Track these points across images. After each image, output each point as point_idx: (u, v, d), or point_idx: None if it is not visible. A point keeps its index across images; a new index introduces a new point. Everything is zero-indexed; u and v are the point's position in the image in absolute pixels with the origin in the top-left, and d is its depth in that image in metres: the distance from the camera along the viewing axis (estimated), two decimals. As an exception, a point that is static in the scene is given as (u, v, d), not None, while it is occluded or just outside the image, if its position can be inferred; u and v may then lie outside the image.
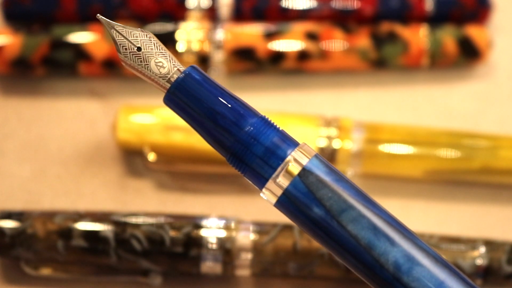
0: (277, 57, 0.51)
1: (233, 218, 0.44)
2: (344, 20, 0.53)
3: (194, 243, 0.43)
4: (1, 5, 0.52)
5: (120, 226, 0.43)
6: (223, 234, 0.43)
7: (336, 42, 0.51)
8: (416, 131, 0.48)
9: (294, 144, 0.31)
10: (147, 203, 0.48)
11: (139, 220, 0.43)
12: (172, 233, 0.43)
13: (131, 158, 0.49)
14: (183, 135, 0.47)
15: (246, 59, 0.51)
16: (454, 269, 0.29)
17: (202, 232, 0.43)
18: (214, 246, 0.43)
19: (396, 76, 0.53)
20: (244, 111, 0.31)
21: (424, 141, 0.48)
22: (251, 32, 0.51)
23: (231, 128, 0.31)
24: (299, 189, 0.30)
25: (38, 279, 0.44)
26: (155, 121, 0.47)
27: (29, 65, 0.51)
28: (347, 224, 0.29)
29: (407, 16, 0.53)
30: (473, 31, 0.52)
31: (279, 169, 0.30)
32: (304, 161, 0.30)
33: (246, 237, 0.43)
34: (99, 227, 0.43)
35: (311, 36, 0.51)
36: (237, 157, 0.31)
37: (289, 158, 0.30)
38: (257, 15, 0.53)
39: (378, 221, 0.29)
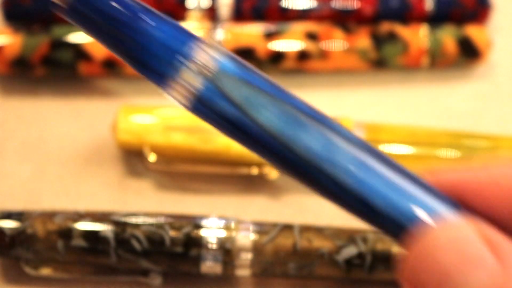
0: (277, 57, 0.51)
1: (233, 218, 0.44)
2: (344, 20, 0.53)
3: (194, 243, 0.43)
4: (1, 5, 0.52)
5: (120, 226, 0.43)
6: (223, 234, 0.43)
7: (336, 42, 0.51)
8: (416, 131, 0.48)
9: (199, 40, 0.28)
10: (147, 203, 0.48)
11: (139, 220, 0.43)
12: (172, 233, 0.43)
13: (131, 158, 0.49)
14: (183, 135, 0.47)
15: (246, 59, 0.51)
16: (374, 150, 0.27)
17: (202, 232, 0.43)
18: (214, 246, 0.43)
19: (396, 76, 0.53)
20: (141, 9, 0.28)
21: (424, 142, 0.48)
22: (251, 32, 0.51)
23: (127, 24, 0.28)
24: (209, 89, 0.27)
25: (38, 279, 0.44)
26: (155, 122, 0.47)
27: (29, 65, 0.51)
28: (258, 117, 0.27)
29: (407, 16, 0.53)
30: (473, 31, 0.52)
31: (185, 68, 0.27)
32: (212, 58, 0.28)
33: (246, 237, 0.43)
34: (99, 227, 0.43)
35: (311, 36, 0.51)
36: (137, 61, 0.28)
37: (195, 56, 0.28)
38: (257, 15, 0.53)
39: (291, 110, 0.27)
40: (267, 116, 0.27)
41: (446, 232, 0.22)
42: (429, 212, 0.24)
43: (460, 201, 0.25)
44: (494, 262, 0.21)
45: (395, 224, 0.25)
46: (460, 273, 0.21)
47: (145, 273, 0.44)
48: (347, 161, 0.26)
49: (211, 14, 0.52)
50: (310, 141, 0.27)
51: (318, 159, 0.26)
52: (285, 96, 0.28)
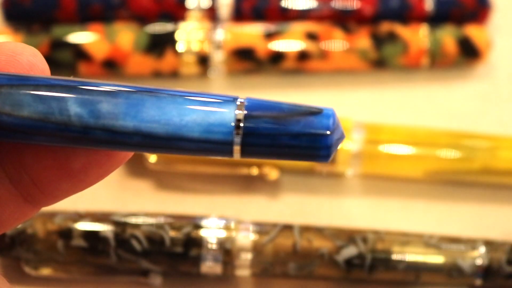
0: (277, 57, 0.51)
1: (233, 218, 0.44)
2: (344, 20, 0.53)
3: (194, 243, 0.43)
4: (1, 5, 0.52)
5: (120, 226, 0.43)
6: (223, 234, 0.43)
7: (336, 42, 0.51)
8: (416, 132, 0.48)
9: None
10: (147, 203, 0.48)
11: (139, 220, 0.43)
12: (172, 233, 0.43)
13: (131, 158, 0.49)
14: (183, 135, 0.47)
15: (246, 59, 0.51)
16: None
17: (202, 232, 0.43)
18: (214, 246, 0.43)
19: (396, 76, 0.53)
20: None
21: (424, 142, 0.48)
22: (251, 32, 0.51)
23: None
24: None
25: (38, 279, 0.44)
26: (155, 121, 0.47)
27: (29, 65, 0.50)
28: (15, 111, 0.25)
29: (407, 16, 0.53)
30: (473, 31, 0.52)
31: None
32: None
33: (246, 237, 0.43)
34: (99, 227, 0.43)
35: (311, 36, 0.51)
36: None
37: None
38: (257, 15, 0.53)
39: (37, 92, 0.25)
40: (20, 108, 0.25)
41: None
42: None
43: None
44: None
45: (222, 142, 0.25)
46: None
47: (145, 273, 0.44)
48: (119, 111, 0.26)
49: (211, 14, 0.52)
50: (73, 108, 0.26)
51: (86, 121, 0.26)
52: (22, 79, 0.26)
